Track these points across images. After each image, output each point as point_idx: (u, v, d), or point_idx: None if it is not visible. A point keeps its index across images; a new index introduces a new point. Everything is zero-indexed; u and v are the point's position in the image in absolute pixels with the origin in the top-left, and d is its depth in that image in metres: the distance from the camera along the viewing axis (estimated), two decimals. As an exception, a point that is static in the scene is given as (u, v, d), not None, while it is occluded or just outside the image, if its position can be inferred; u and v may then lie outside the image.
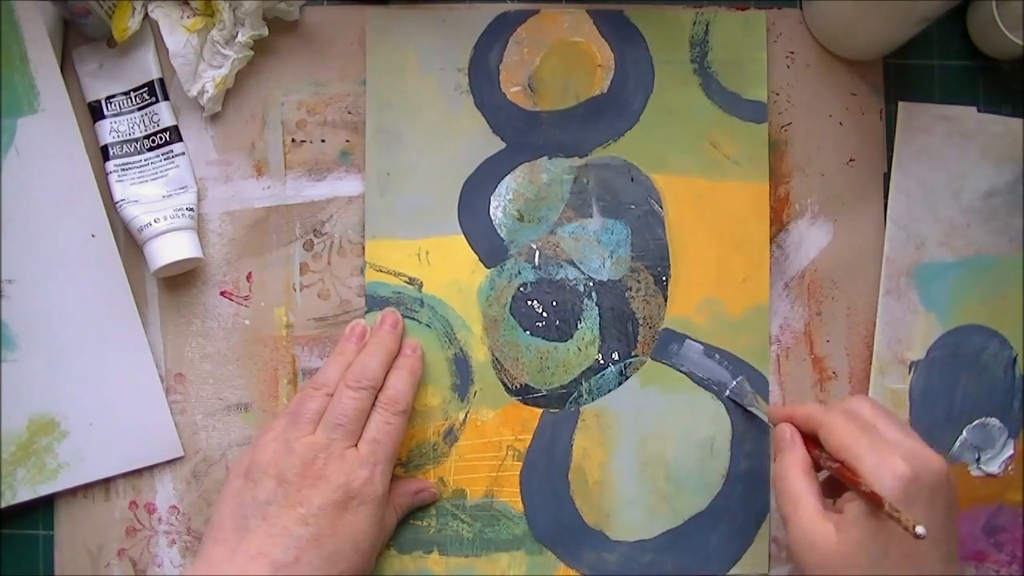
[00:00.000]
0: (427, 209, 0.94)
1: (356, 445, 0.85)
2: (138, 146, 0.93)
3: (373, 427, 0.86)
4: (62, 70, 0.93)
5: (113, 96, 0.93)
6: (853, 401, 0.84)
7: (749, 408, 0.94)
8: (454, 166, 0.95)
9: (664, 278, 0.95)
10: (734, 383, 0.95)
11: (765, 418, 0.92)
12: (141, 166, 0.92)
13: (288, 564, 0.79)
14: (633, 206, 0.95)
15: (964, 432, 0.96)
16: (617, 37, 0.96)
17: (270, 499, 0.82)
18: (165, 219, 0.89)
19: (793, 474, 0.81)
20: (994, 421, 0.96)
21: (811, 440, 0.84)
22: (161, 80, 0.94)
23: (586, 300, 0.95)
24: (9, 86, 0.91)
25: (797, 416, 0.86)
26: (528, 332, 0.94)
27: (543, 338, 0.95)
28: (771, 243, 0.96)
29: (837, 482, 0.81)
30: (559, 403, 0.94)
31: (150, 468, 0.93)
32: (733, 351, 0.95)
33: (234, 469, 0.86)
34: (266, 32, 0.93)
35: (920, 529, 0.69)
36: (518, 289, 0.95)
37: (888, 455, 0.76)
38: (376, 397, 0.88)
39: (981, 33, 0.97)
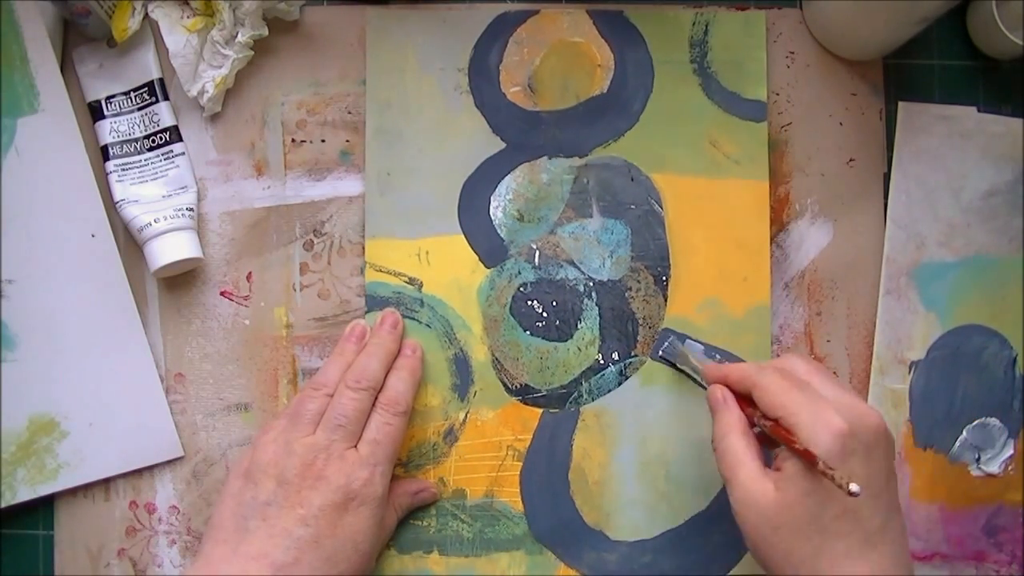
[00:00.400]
0: (427, 209, 0.94)
1: (356, 446, 0.85)
2: (138, 146, 0.93)
3: (373, 428, 0.86)
4: (62, 70, 0.93)
5: (113, 96, 0.93)
6: (787, 359, 0.84)
7: (681, 368, 0.93)
8: (454, 166, 0.95)
9: (664, 278, 0.95)
10: (665, 343, 0.94)
11: (699, 379, 0.91)
12: (141, 166, 0.92)
13: (288, 565, 0.80)
14: (633, 206, 0.95)
15: (964, 432, 0.96)
16: (617, 37, 0.96)
17: (270, 500, 0.82)
18: (165, 219, 0.89)
19: (731, 435, 0.81)
20: (994, 421, 0.96)
21: (745, 400, 0.83)
22: (161, 80, 0.94)
23: (586, 300, 0.95)
24: (9, 86, 0.91)
25: (731, 376, 0.85)
26: (528, 332, 0.94)
27: (543, 338, 0.95)
28: (771, 243, 0.95)
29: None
30: (559, 403, 0.94)
31: (150, 468, 0.93)
32: (734, 351, 0.95)
33: (234, 469, 0.85)
34: (266, 32, 0.93)
35: (854, 487, 0.69)
36: (518, 289, 0.95)
37: (823, 411, 0.76)
38: (376, 398, 0.88)
39: (981, 33, 0.97)
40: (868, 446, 0.76)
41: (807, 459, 0.74)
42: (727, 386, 0.85)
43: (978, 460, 0.96)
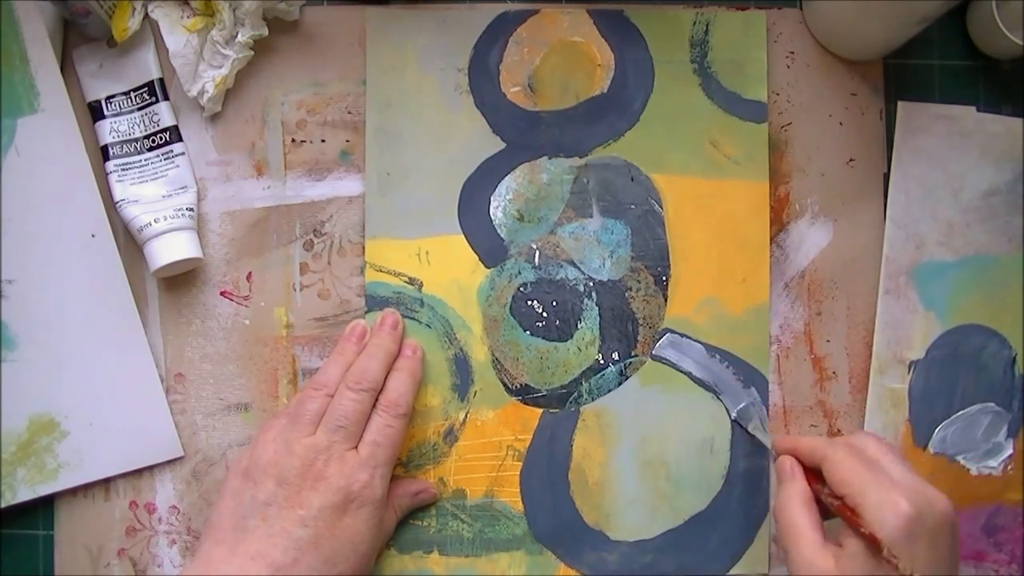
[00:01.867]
0: (427, 209, 0.94)
1: (356, 447, 0.86)
2: (138, 146, 0.93)
3: (374, 429, 0.87)
4: (62, 70, 0.93)
5: (113, 96, 0.93)
6: (858, 437, 0.84)
7: (753, 433, 0.94)
8: (454, 166, 0.95)
9: (664, 278, 0.95)
10: (741, 405, 0.95)
11: (769, 445, 0.92)
12: (141, 166, 0.92)
13: (287, 565, 0.80)
14: (633, 206, 0.95)
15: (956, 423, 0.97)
16: (617, 37, 0.96)
17: (270, 500, 0.82)
18: (165, 219, 0.89)
19: (793, 506, 0.81)
20: (991, 405, 0.97)
21: (813, 473, 0.84)
22: (161, 80, 0.94)
23: (586, 300, 0.95)
24: (9, 86, 0.91)
25: (800, 447, 0.86)
26: (528, 332, 0.95)
27: (543, 338, 0.95)
28: (771, 243, 0.96)
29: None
30: (559, 403, 0.94)
31: (150, 468, 0.93)
32: (733, 351, 0.95)
33: (233, 468, 0.86)
34: (266, 32, 0.93)
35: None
36: (518, 289, 0.95)
37: (892, 492, 0.76)
38: (377, 399, 0.88)
39: (981, 33, 0.97)
40: (934, 532, 0.76)
41: (872, 543, 0.75)
42: (795, 457, 0.86)
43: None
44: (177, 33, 0.91)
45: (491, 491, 0.94)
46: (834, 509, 0.80)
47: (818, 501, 0.82)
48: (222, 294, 0.94)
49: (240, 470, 0.85)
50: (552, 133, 0.96)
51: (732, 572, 0.94)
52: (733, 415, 0.95)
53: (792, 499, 0.82)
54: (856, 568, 0.76)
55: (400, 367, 0.91)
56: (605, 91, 0.96)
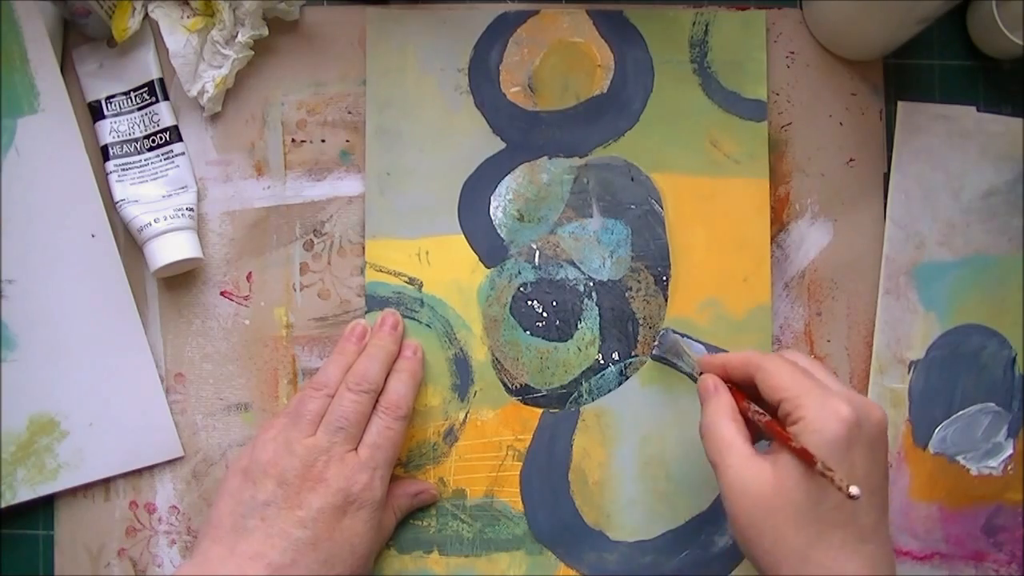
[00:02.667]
0: (427, 209, 0.94)
1: (356, 449, 0.86)
2: (138, 146, 0.93)
3: (374, 431, 0.87)
4: (62, 70, 0.93)
5: (113, 96, 0.93)
6: (788, 351, 0.84)
7: (676, 363, 0.92)
8: (454, 166, 0.95)
9: (664, 278, 0.95)
10: (658, 335, 0.94)
11: (695, 372, 0.90)
12: (141, 166, 0.92)
13: (285, 566, 0.80)
14: (633, 206, 0.95)
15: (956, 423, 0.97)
16: (617, 37, 0.96)
17: (269, 500, 0.82)
18: (165, 219, 0.89)
19: (720, 420, 0.80)
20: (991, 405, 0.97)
21: (739, 392, 0.82)
22: (161, 80, 0.94)
23: (586, 300, 0.95)
24: (9, 86, 0.91)
25: (732, 361, 0.84)
26: (528, 332, 0.94)
27: (543, 338, 0.95)
28: (771, 243, 0.96)
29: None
30: (559, 403, 0.94)
31: (150, 468, 0.93)
32: (735, 351, 0.94)
33: (232, 467, 0.86)
34: (266, 32, 0.93)
35: (855, 490, 0.68)
36: (518, 289, 0.95)
37: (831, 398, 0.75)
38: (377, 400, 0.88)
39: (981, 33, 0.97)
40: (872, 440, 0.75)
41: (805, 458, 0.73)
42: (724, 376, 0.84)
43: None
44: (177, 33, 0.91)
45: (491, 491, 0.94)
46: (763, 426, 0.79)
47: (746, 420, 0.81)
48: (222, 294, 0.94)
49: (239, 469, 0.85)
50: (552, 133, 0.96)
51: (732, 573, 0.94)
52: (653, 353, 0.94)
53: (718, 413, 0.81)
54: (793, 474, 0.74)
55: (400, 368, 0.91)
56: (605, 91, 0.96)
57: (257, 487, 0.83)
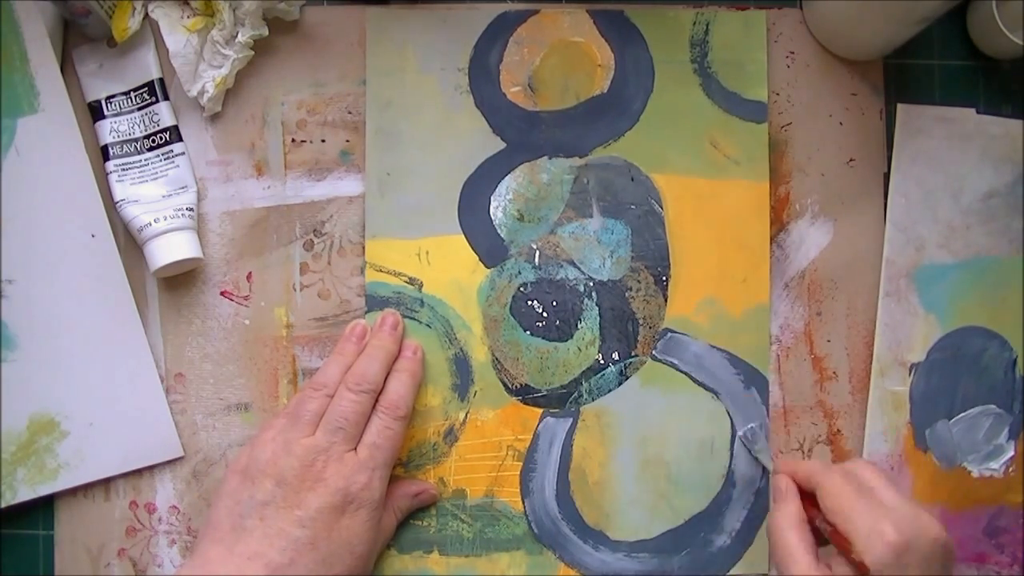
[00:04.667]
0: (427, 209, 0.94)
1: (355, 449, 0.86)
2: (138, 146, 0.93)
3: (373, 431, 0.87)
4: (62, 70, 0.93)
5: (113, 96, 0.93)
6: (855, 463, 0.85)
7: (757, 456, 0.94)
8: (454, 166, 0.95)
9: (664, 278, 0.95)
10: (747, 427, 0.95)
11: (771, 468, 0.92)
12: (141, 166, 0.92)
13: (283, 566, 0.80)
14: (633, 206, 0.95)
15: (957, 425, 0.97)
16: (617, 37, 0.96)
17: (268, 500, 0.82)
18: (165, 219, 0.89)
19: (785, 528, 0.82)
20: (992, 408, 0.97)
21: (810, 498, 0.84)
22: (161, 80, 0.94)
23: (586, 300, 0.95)
24: (9, 86, 0.91)
25: (799, 471, 0.86)
26: (528, 332, 0.94)
27: (543, 338, 0.95)
28: (771, 243, 0.96)
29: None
30: (559, 403, 0.94)
31: (150, 468, 0.93)
32: (733, 351, 0.95)
33: (231, 467, 0.86)
34: (266, 32, 0.93)
35: None
36: (518, 289, 0.95)
37: (880, 520, 0.76)
38: (376, 400, 0.88)
39: (981, 33, 0.97)
40: (926, 559, 0.76)
41: (861, 570, 0.76)
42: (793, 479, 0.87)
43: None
44: (177, 33, 0.91)
45: (491, 491, 0.94)
46: (827, 535, 0.81)
47: (813, 526, 0.83)
48: (222, 294, 0.94)
49: (238, 469, 0.85)
50: (552, 133, 0.96)
51: (732, 572, 0.94)
52: (739, 435, 0.95)
53: (784, 519, 0.83)
54: None
55: (400, 368, 0.91)
56: (605, 91, 0.96)
57: (256, 487, 0.83)
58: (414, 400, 0.91)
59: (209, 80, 0.92)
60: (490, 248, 0.95)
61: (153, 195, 0.92)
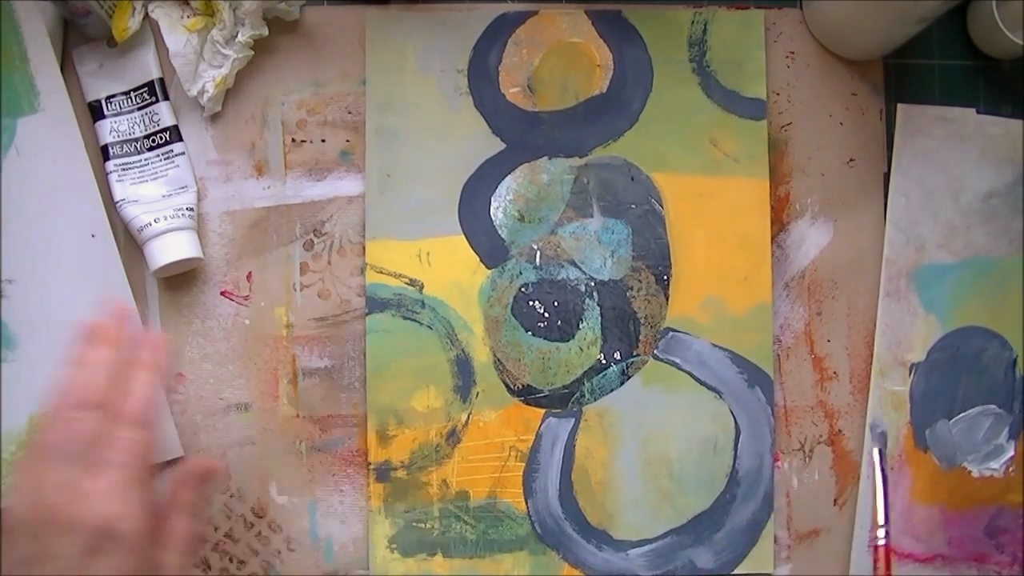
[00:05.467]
0: (427, 210, 0.94)
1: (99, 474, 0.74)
2: (138, 146, 0.92)
3: (118, 449, 0.75)
4: (62, 70, 0.93)
5: (113, 96, 0.93)
6: None
7: None
8: (454, 167, 0.95)
9: (665, 277, 0.95)
10: None
11: None
12: (141, 166, 0.92)
13: None
14: (634, 205, 0.95)
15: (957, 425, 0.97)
16: (616, 37, 0.96)
17: (22, 560, 0.72)
18: (165, 219, 0.89)
19: None
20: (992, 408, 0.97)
21: None
22: (161, 80, 0.94)
23: (587, 300, 0.95)
24: (9, 86, 0.91)
25: None
26: (530, 332, 0.94)
27: (545, 338, 0.94)
28: (772, 243, 0.96)
29: None
30: (561, 403, 0.94)
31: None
32: (736, 350, 0.95)
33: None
34: (266, 32, 0.93)
35: None
36: (519, 290, 0.95)
37: None
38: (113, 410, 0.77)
39: (981, 33, 0.97)
40: None
41: None
42: None
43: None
44: (177, 33, 0.91)
45: (494, 492, 0.94)
46: None
47: None
48: (222, 294, 0.94)
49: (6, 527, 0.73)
50: (552, 133, 0.96)
51: (736, 571, 0.94)
52: None
53: None
54: None
55: (137, 367, 0.80)
56: (604, 91, 0.96)
57: (16, 550, 0.72)
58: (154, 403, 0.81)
59: (209, 80, 0.92)
60: (491, 249, 0.95)
61: (153, 195, 0.91)
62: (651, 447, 0.94)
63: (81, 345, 0.80)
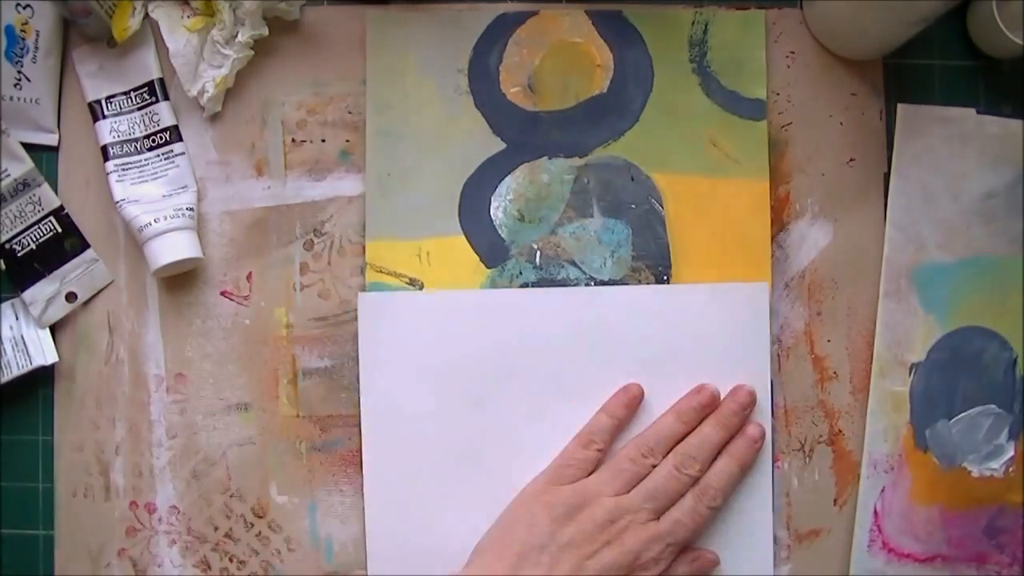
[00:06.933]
0: (428, 210, 0.94)
1: (658, 518, 0.88)
2: (138, 146, 0.93)
3: (683, 508, 0.88)
4: (62, 70, 0.93)
5: (113, 96, 0.93)
6: None
7: None
8: (454, 167, 0.95)
9: (665, 277, 0.95)
10: None
11: None
12: (141, 166, 0.92)
13: None
14: (634, 205, 0.95)
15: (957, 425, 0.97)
16: (616, 37, 0.96)
17: (567, 544, 0.85)
18: (165, 219, 0.89)
19: None
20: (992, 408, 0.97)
21: None
22: (161, 80, 0.94)
23: (587, 300, 0.95)
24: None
25: None
26: (529, 332, 0.94)
27: (544, 338, 0.95)
28: (772, 243, 0.95)
29: None
30: (563, 404, 0.94)
31: (150, 468, 0.93)
32: (735, 350, 0.95)
33: (534, 494, 0.89)
34: (266, 32, 0.93)
35: None
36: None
37: None
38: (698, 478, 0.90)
39: (981, 33, 0.97)
40: None
41: None
42: None
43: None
44: (177, 33, 0.91)
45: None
46: None
47: None
48: (222, 294, 0.94)
49: (543, 503, 0.87)
50: (552, 133, 0.96)
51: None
52: None
53: None
54: None
55: (734, 454, 0.92)
56: (604, 91, 0.96)
57: (559, 527, 0.85)
58: (733, 491, 0.93)
59: (209, 80, 0.92)
60: (491, 248, 0.95)
61: (153, 195, 0.92)
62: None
63: (711, 405, 0.93)
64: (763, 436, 0.92)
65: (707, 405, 0.92)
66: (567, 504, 0.86)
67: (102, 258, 0.94)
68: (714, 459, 0.91)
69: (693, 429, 0.91)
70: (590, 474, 0.89)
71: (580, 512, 0.85)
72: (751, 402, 0.92)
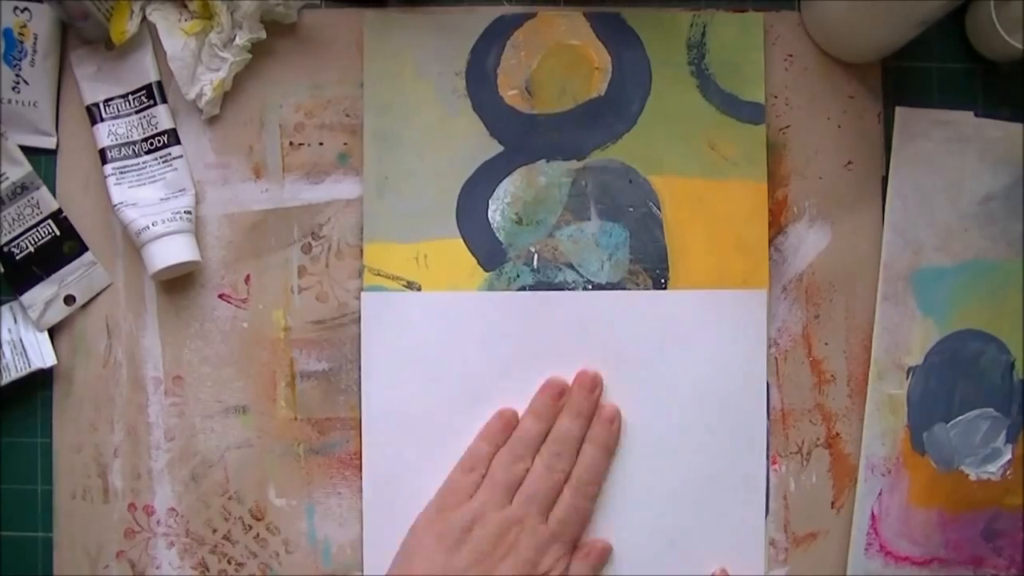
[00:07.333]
0: (425, 212, 0.94)
1: (546, 521, 0.89)
2: (136, 149, 0.93)
3: (564, 506, 0.90)
4: (60, 73, 0.93)
5: (111, 99, 0.93)
6: None
7: None
8: (452, 169, 0.95)
9: (663, 280, 0.95)
10: None
11: None
12: (139, 169, 0.92)
13: None
14: (631, 208, 0.95)
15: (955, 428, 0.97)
16: (614, 40, 0.96)
17: (466, 568, 0.86)
18: (163, 222, 0.89)
19: None
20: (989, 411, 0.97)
21: None
22: (159, 83, 0.94)
23: (585, 303, 0.95)
24: (8, 87, 0.92)
25: None
26: (527, 334, 0.95)
27: (542, 340, 0.95)
28: (769, 246, 0.95)
29: None
30: (559, 405, 0.94)
31: (149, 470, 0.93)
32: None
33: (424, 524, 0.90)
34: (264, 35, 0.93)
35: None
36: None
37: None
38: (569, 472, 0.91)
39: (980, 36, 0.97)
40: None
41: None
42: None
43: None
44: (175, 36, 0.91)
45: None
46: None
47: None
48: (220, 297, 0.94)
49: (434, 531, 0.88)
50: (550, 136, 0.96)
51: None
52: None
53: None
54: None
55: (596, 440, 0.92)
56: (602, 94, 0.96)
57: (453, 554, 0.86)
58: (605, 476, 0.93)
59: (207, 83, 0.92)
60: (488, 251, 0.95)
61: (151, 198, 0.92)
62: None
63: (563, 396, 0.93)
64: (618, 415, 0.93)
65: (558, 397, 0.92)
66: (456, 528, 0.87)
67: (100, 261, 0.93)
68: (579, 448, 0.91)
69: (552, 425, 0.92)
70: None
71: (470, 533, 0.86)
72: (596, 383, 0.93)
